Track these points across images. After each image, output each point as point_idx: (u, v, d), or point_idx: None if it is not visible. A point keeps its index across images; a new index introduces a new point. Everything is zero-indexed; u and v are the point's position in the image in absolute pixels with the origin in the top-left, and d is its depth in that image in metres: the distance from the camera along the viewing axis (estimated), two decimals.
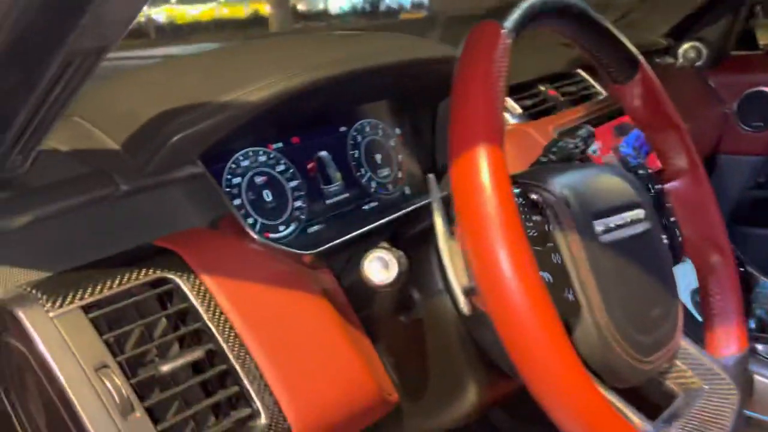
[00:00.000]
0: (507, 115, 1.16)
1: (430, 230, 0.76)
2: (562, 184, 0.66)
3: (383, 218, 0.89)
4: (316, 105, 0.88)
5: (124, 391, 0.61)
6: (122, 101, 0.77)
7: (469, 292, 0.62)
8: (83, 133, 0.74)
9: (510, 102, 1.18)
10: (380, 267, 0.66)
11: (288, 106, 0.79)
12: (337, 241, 0.79)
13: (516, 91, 1.22)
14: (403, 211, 0.87)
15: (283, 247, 0.74)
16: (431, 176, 0.68)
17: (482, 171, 0.55)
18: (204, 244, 0.73)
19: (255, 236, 0.74)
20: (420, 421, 0.80)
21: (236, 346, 0.67)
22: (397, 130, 1.01)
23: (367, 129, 0.97)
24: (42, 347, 0.60)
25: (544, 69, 1.36)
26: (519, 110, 1.19)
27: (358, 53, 0.85)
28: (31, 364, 0.61)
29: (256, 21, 6.98)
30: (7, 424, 0.66)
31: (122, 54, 0.80)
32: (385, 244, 0.68)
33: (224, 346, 0.66)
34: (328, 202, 0.90)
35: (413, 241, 0.78)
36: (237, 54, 0.96)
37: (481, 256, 0.55)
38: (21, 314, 0.61)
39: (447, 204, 0.64)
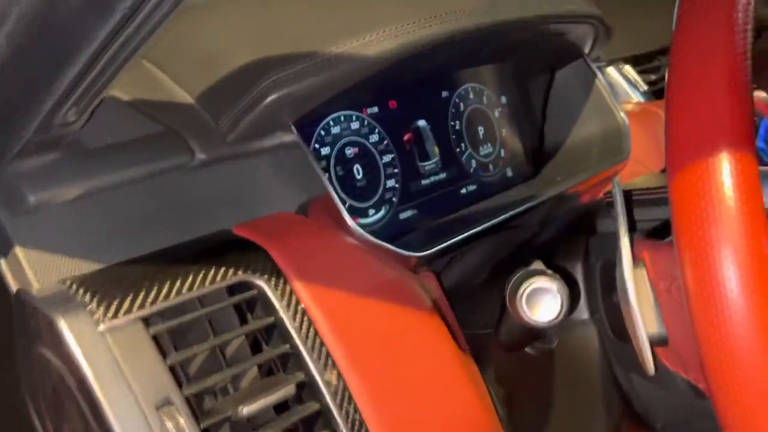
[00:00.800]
0: (631, 91, 0.98)
1: (577, 243, 0.61)
2: None
3: (483, 206, 0.73)
4: (429, 65, 0.71)
5: None
6: (199, 41, 0.60)
7: (658, 342, 0.47)
8: (150, 81, 0.57)
9: (633, 74, 1.00)
10: (545, 301, 0.49)
11: (404, 65, 0.62)
12: (450, 242, 0.63)
13: (635, 62, 1.04)
14: (517, 209, 0.70)
15: (392, 248, 0.58)
16: (617, 179, 0.51)
17: (726, 178, 0.39)
18: (295, 237, 0.57)
19: (359, 231, 0.57)
20: None
21: (334, 379, 0.51)
22: (503, 99, 0.85)
23: (471, 96, 0.81)
24: (88, 372, 0.44)
25: (663, 39, 1.17)
26: (644, 86, 1.01)
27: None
28: (70, 391, 0.46)
29: None
30: None
31: None
32: (540, 265, 0.51)
33: (318, 379, 0.51)
34: (423, 182, 0.75)
35: (555, 256, 0.62)
36: None
37: (713, 300, 0.39)
38: (62, 324, 0.45)
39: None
